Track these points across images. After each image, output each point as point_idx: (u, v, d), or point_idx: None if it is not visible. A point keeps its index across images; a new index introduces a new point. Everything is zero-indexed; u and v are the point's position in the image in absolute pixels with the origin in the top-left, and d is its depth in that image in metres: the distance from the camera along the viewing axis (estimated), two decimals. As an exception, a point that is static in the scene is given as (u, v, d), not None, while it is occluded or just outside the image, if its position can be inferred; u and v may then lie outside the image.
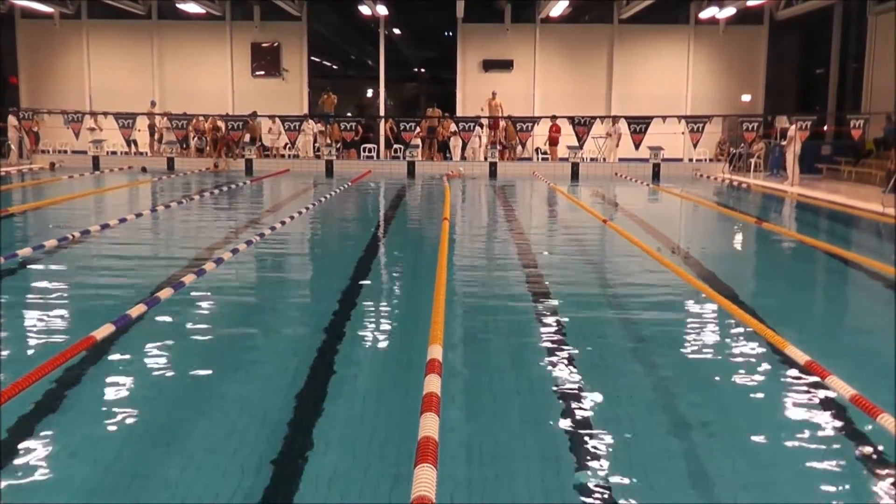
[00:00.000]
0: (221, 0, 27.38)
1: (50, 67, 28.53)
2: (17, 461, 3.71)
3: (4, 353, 5.32)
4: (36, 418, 4.22)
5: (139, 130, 25.23)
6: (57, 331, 5.97)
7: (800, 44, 29.20)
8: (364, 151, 25.79)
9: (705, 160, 25.54)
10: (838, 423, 4.34)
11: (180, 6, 25.70)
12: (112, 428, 4.18)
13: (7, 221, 11.44)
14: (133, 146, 25.98)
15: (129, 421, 4.28)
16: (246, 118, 24.72)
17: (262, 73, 28.50)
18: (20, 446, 3.87)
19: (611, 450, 3.95)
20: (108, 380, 4.85)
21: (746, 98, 28.01)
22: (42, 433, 4.07)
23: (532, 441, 4.10)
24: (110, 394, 4.62)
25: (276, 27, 28.40)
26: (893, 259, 9.81)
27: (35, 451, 3.84)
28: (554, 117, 24.41)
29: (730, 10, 24.86)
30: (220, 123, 24.79)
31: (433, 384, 4.00)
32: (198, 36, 28.54)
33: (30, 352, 5.38)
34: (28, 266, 8.26)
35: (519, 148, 25.25)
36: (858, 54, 25.49)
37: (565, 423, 4.29)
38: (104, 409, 4.40)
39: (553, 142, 24.99)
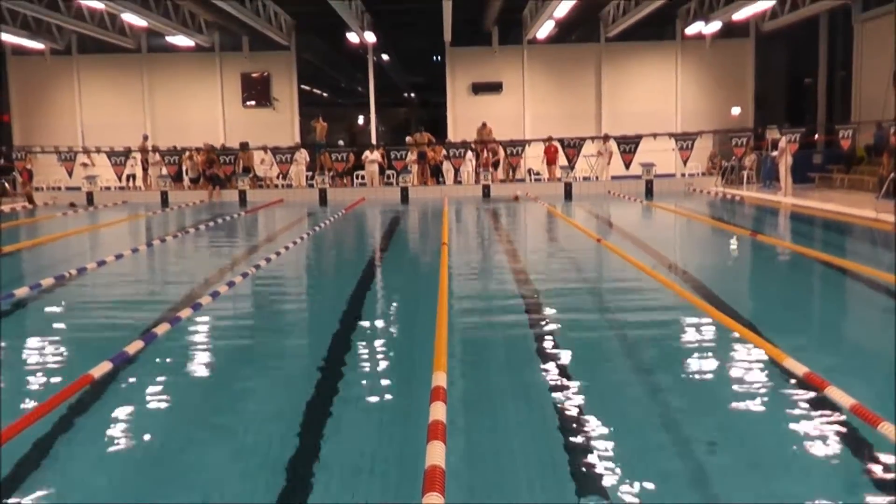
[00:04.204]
0: (210, 31, 27.53)
1: (42, 104, 28.64)
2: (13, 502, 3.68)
3: (2, 393, 5.29)
4: (34, 459, 4.18)
5: (133, 165, 25.31)
6: (54, 370, 5.93)
7: (787, 55, 29.41)
8: (357, 179, 25.81)
9: (698, 174, 25.61)
10: (839, 434, 4.32)
11: (169, 39, 25.84)
12: (110, 467, 4.15)
13: (4, 260, 11.41)
14: (131, 181, 25.98)
15: (127, 459, 4.25)
16: (236, 151, 24.73)
17: (253, 103, 28.65)
18: (18, 488, 3.83)
19: (614, 470, 3.92)
20: (106, 418, 4.81)
21: (736, 111, 28.17)
22: (40, 475, 4.03)
23: (537, 467, 4.08)
24: (108, 432, 4.58)
25: (265, 57, 28.57)
26: (888, 265, 9.81)
27: (34, 492, 3.80)
28: (549, 139, 24.45)
29: (716, 25, 25.04)
30: (213, 156, 24.74)
31: (438, 412, 3.97)
32: (188, 68, 28.71)
33: (27, 392, 5.35)
34: (26, 305, 8.23)
35: (510, 171, 25.34)
36: (846, 62, 25.67)
37: (570, 447, 4.27)
38: (102, 447, 4.37)
39: (551, 161, 25.01)
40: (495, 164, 24.99)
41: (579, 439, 4.36)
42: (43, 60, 28.25)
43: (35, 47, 26.82)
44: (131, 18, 22.36)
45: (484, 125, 25.32)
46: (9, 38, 24.81)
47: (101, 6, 21.36)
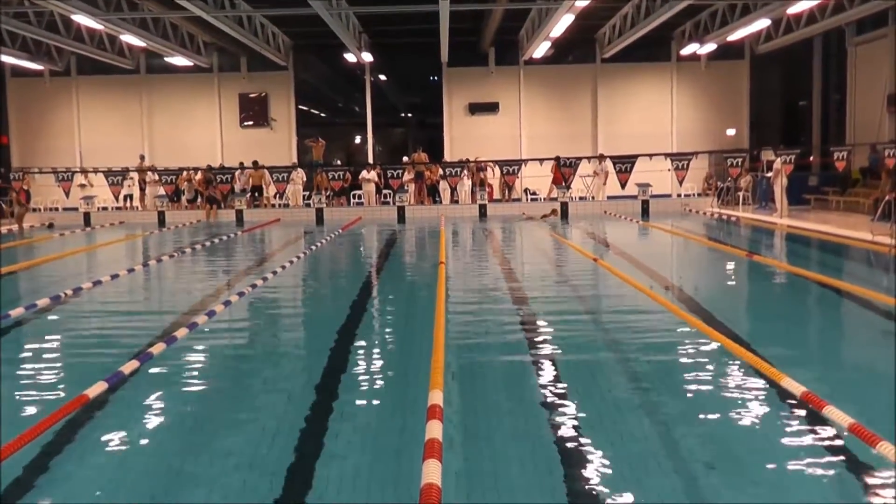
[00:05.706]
0: (209, 52, 27.65)
1: (40, 125, 28.66)
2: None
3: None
4: (29, 480, 4.17)
5: (130, 185, 25.32)
6: (49, 390, 5.92)
7: (782, 77, 29.57)
8: (354, 198, 25.85)
9: (693, 195, 25.66)
10: (838, 453, 4.32)
11: (168, 59, 25.93)
12: (105, 487, 4.13)
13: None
14: (128, 201, 25.95)
15: (123, 481, 4.23)
16: (233, 170, 24.75)
17: (251, 123, 28.70)
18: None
19: (611, 489, 3.92)
20: (102, 438, 4.80)
21: (731, 132, 28.27)
22: (36, 496, 4.01)
23: (534, 485, 4.07)
24: (104, 452, 4.58)
25: (262, 77, 28.67)
26: (886, 286, 9.84)
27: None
28: (558, 158, 24.38)
29: (710, 46, 25.19)
30: (210, 175, 24.77)
31: (435, 430, 3.96)
32: (186, 88, 28.76)
33: (22, 413, 5.33)
34: (21, 326, 8.22)
35: (506, 190, 25.35)
36: (840, 85, 25.83)
37: (565, 460, 4.27)
38: (98, 468, 4.36)
39: (558, 181, 24.93)
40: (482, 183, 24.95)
41: (573, 451, 4.37)
42: (42, 82, 28.30)
43: (34, 69, 26.90)
44: (130, 39, 22.45)
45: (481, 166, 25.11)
46: (8, 59, 24.87)
47: (100, 27, 21.45)
